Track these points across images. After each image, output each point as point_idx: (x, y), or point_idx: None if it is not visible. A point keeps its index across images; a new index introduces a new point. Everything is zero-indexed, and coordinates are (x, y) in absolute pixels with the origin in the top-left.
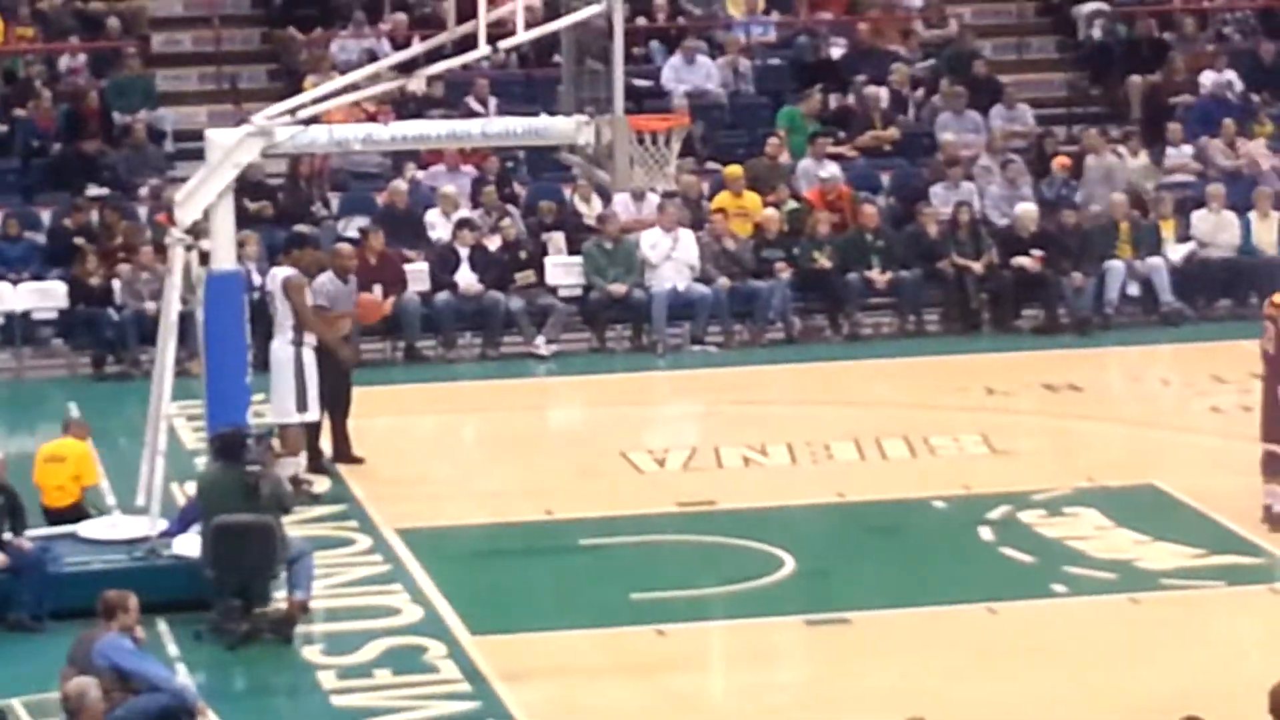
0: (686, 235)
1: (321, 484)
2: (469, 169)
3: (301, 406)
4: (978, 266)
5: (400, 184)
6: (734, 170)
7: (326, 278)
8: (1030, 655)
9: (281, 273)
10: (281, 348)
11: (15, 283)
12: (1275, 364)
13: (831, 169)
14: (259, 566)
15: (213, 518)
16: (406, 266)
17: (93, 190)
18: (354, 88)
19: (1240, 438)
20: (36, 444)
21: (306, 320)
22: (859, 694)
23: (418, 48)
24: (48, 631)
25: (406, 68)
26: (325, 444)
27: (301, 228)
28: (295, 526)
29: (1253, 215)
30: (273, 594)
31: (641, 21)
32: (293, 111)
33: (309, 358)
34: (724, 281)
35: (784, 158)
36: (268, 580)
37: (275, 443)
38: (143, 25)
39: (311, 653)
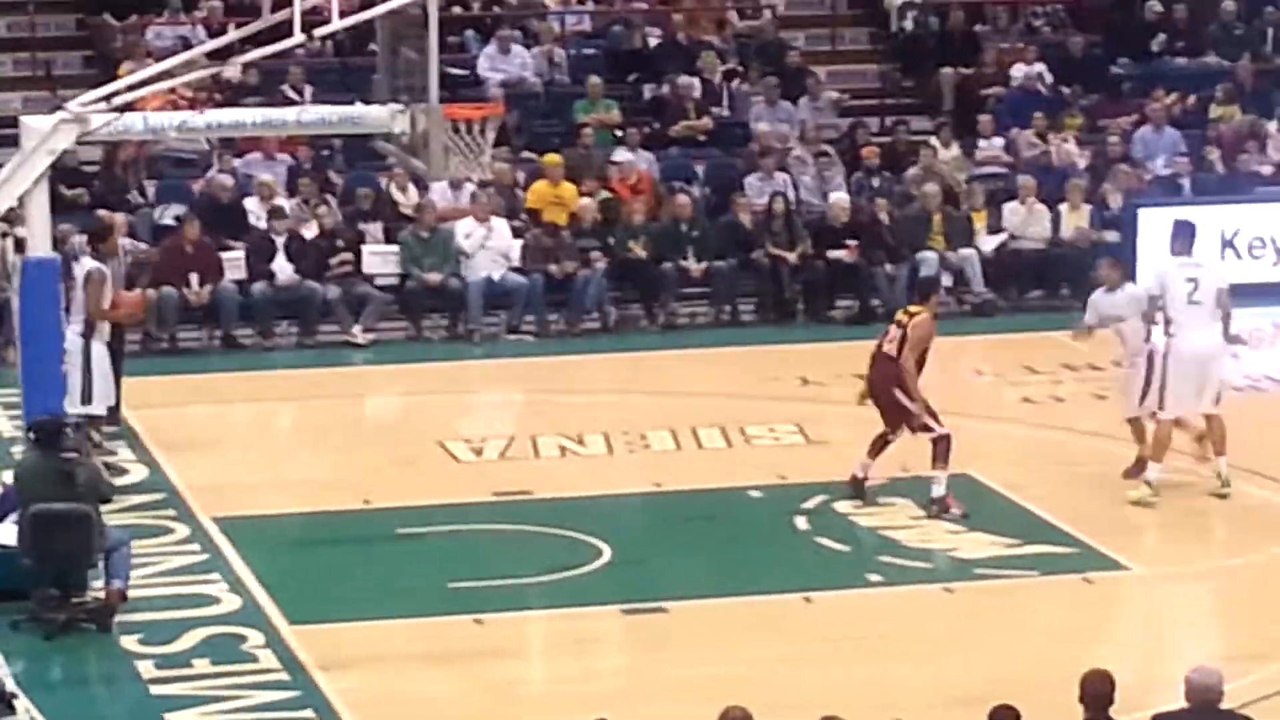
0: (501, 225)
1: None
2: (285, 157)
3: (86, 399)
4: (792, 257)
5: (217, 173)
6: (553, 159)
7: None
8: (846, 644)
9: (88, 264)
10: (73, 339)
11: None
12: (890, 365)
13: (626, 155)
14: (76, 555)
15: (29, 506)
16: (223, 255)
17: None
18: (169, 75)
19: (1053, 428)
20: None
21: (97, 314)
22: (676, 683)
23: (233, 35)
24: None
25: (222, 55)
26: None
27: (104, 214)
28: (113, 515)
29: (1063, 207)
30: (91, 583)
31: (457, 10)
32: (108, 98)
33: (98, 351)
34: (542, 273)
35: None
36: (85, 569)
37: (93, 432)
38: None
39: (130, 642)
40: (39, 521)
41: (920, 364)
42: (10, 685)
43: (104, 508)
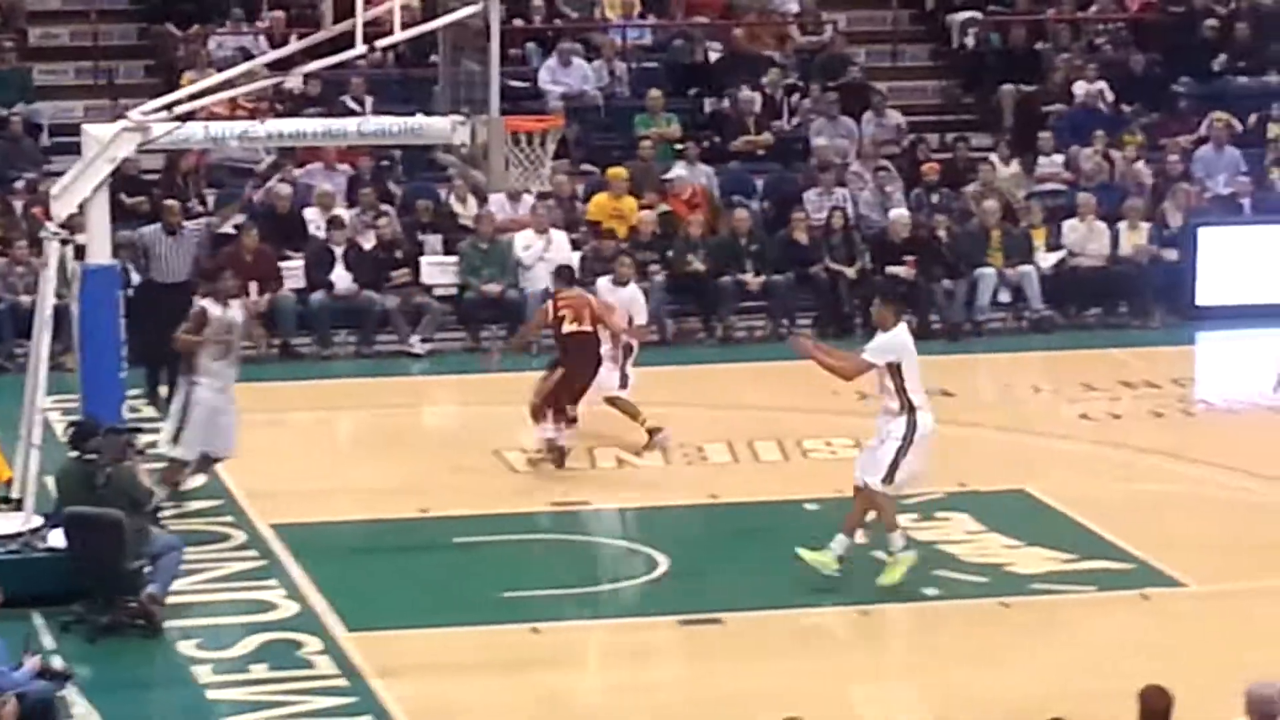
0: (560, 237)
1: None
2: (345, 168)
3: (174, 440)
4: (850, 271)
5: (278, 183)
6: (617, 172)
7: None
8: (901, 657)
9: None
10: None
11: None
12: None
13: (679, 170)
14: (110, 558)
15: (66, 508)
16: (282, 264)
17: None
18: (230, 84)
19: (1109, 444)
20: None
21: (182, 344)
22: (731, 694)
23: (294, 45)
24: None
25: (283, 65)
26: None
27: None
28: (170, 521)
29: (1122, 225)
30: (143, 586)
31: (518, 23)
32: (169, 107)
33: (199, 394)
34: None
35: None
36: (124, 572)
37: (139, 439)
38: (20, 19)
39: (187, 647)
40: (70, 524)
41: None
42: (61, 664)
43: (165, 513)
